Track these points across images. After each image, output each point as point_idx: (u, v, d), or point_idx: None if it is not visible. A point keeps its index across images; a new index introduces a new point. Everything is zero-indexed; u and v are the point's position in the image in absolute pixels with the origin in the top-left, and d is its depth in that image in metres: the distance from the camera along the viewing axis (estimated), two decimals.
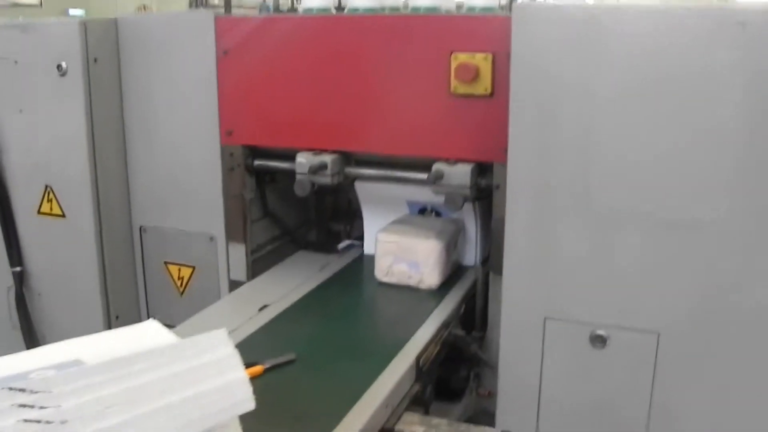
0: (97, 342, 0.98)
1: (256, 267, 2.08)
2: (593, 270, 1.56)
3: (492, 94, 1.68)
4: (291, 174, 1.92)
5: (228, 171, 1.98)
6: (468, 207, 2.02)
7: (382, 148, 1.83)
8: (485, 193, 1.80)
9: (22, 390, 0.75)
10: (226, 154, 1.97)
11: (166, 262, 2.14)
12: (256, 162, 2.00)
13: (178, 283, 2.12)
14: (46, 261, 2.14)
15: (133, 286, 2.18)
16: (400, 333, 1.62)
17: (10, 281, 2.17)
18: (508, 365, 1.68)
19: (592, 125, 1.49)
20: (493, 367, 1.77)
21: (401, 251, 1.87)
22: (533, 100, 1.53)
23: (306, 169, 1.82)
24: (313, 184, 1.86)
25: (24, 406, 0.75)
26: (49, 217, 2.09)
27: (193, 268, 2.10)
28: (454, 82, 1.69)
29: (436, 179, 1.74)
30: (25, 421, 0.74)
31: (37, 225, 2.11)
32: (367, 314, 1.85)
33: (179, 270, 2.12)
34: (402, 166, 1.89)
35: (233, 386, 0.92)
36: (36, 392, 0.76)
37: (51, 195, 2.07)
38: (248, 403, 0.93)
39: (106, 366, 0.82)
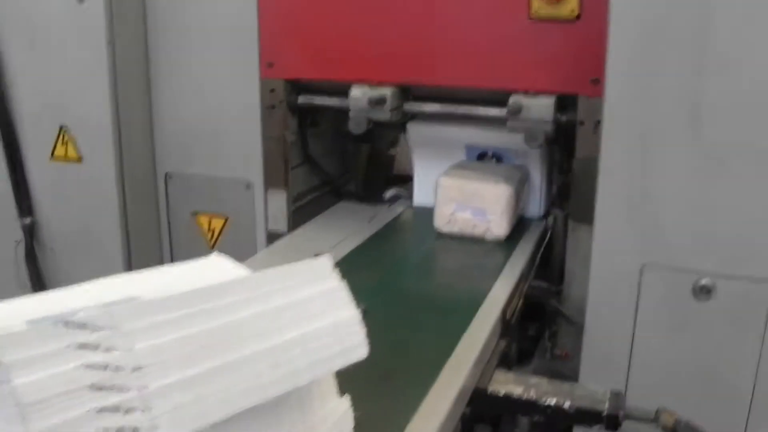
0: (154, 278, 0.77)
1: (297, 218, 1.86)
2: (700, 212, 1.35)
3: (579, 16, 1.47)
4: (336, 114, 1.70)
5: (268, 109, 1.76)
6: (533, 153, 1.81)
7: (451, 80, 1.61)
8: (564, 131, 1.58)
9: (82, 326, 0.54)
10: (266, 89, 1.74)
11: (194, 213, 1.92)
12: (300, 99, 1.77)
13: (209, 236, 1.91)
14: (60, 211, 1.92)
15: (157, 240, 1.96)
16: (475, 285, 1.42)
17: (19, 234, 1.95)
18: (595, 321, 1.48)
19: (708, 42, 1.27)
20: (575, 324, 1.57)
21: (466, 197, 1.66)
22: (637, 19, 1.31)
23: (363, 104, 1.60)
24: (369, 121, 1.64)
25: (85, 347, 0.53)
26: (64, 161, 1.87)
27: (226, 218, 1.88)
28: (535, 4, 1.47)
29: (514, 113, 1.52)
30: (87, 367, 0.53)
31: (50, 171, 1.89)
32: (431, 266, 1.64)
33: (210, 221, 1.91)
34: (467, 102, 1.67)
35: (344, 327, 0.71)
36: (100, 329, 0.55)
37: (66, 137, 1.85)
38: (361, 350, 0.72)
39: (187, 298, 0.61)
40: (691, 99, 1.31)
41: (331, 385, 0.76)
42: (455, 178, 1.70)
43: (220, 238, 1.90)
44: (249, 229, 1.85)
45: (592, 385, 1.47)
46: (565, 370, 1.61)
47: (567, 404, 1.13)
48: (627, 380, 1.49)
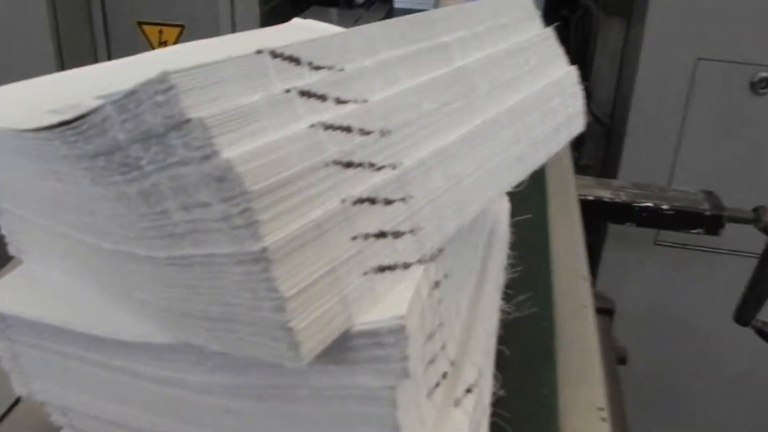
0: (231, 43, 0.51)
1: (268, 24, 1.55)
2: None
3: None
4: None
5: None
6: None
7: None
8: None
9: (295, 61, 0.29)
10: None
11: (140, 23, 1.56)
12: None
13: None
14: None
15: (91, 57, 1.60)
16: None
17: None
18: (639, 122, 1.33)
19: None
20: (604, 125, 1.42)
21: None
22: None
23: None
24: None
25: (308, 95, 0.29)
26: None
27: (182, 27, 1.54)
28: None
29: None
30: (325, 128, 0.29)
31: None
32: None
33: (160, 32, 1.56)
34: None
35: (567, 87, 0.49)
36: (321, 66, 0.30)
37: None
38: (580, 118, 0.51)
39: (403, 28, 0.36)
40: None
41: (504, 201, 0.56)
42: None
43: None
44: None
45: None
46: (592, 172, 1.48)
47: (665, 206, 0.98)
48: (670, 177, 1.38)
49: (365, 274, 0.30)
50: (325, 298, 0.27)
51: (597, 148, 1.51)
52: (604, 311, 0.83)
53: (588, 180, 1.03)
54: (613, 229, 1.33)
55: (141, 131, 0.27)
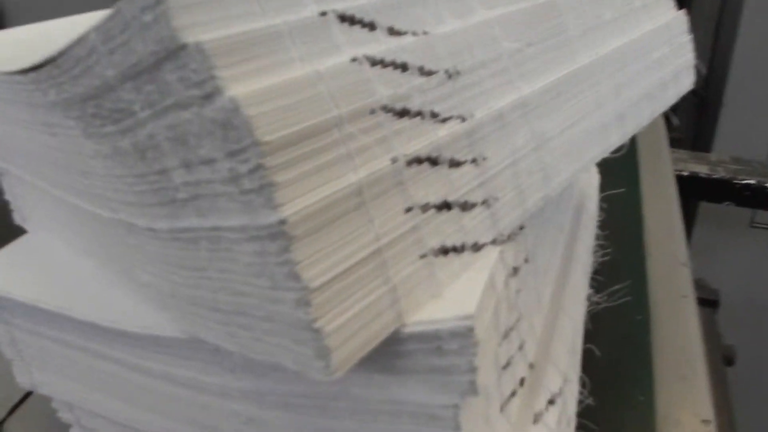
0: None
1: None
2: None
3: None
4: None
5: None
6: None
7: None
8: None
9: None
10: None
11: None
12: None
13: None
14: None
15: None
16: None
17: None
18: (737, 93, 1.20)
19: None
20: (697, 95, 1.29)
21: None
22: None
23: None
24: None
25: (351, 20, 0.22)
26: None
27: None
28: None
29: None
30: (375, 63, 0.22)
31: None
32: None
33: None
34: None
35: (675, 35, 0.40)
36: None
37: None
38: (690, 75, 0.42)
39: None
40: None
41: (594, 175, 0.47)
42: None
43: None
44: None
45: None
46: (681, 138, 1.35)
47: None
48: None
49: (422, 257, 0.22)
50: (366, 288, 0.21)
51: (688, 119, 1.38)
52: (707, 302, 0.73)
53: (682, 153, 0.93)
54: (705, 208, 1.21)
55: (130, 64, 0.20)
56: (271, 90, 0.19)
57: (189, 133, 0.20)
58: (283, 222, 0.18)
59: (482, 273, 0.23)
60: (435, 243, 0.23)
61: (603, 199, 0.52)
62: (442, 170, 0.23)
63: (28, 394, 0.39)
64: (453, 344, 0.22)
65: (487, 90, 0.26)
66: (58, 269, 0.31)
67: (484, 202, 0.25)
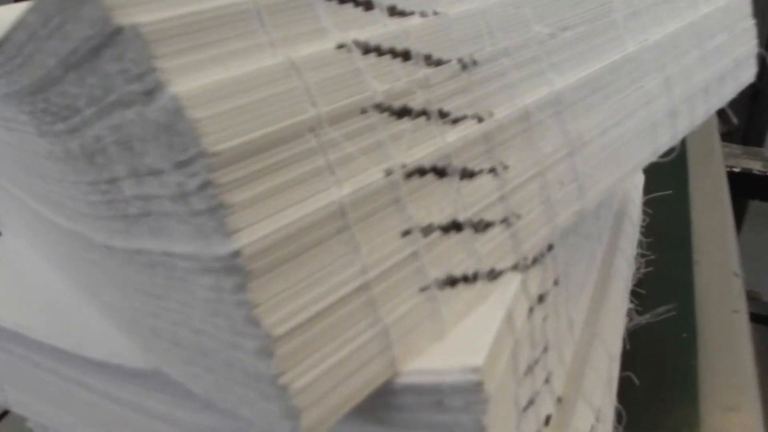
0: None
1: None
2: None
3: None
4: None
5: None
6: None
7: None
8: None
9: None
10: None
11: None
12: None
13: None
14: None
15: None
16: None
17: None
18: None
19: None
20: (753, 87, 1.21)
21: None
22: None
23: None
24: None
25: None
26: None
27: None
28: None
29: None
30: (369, 51, 0.17)
31: None
32: None
33: None
34: None
35: (737, 21, 0.35)
36: None
37: None
38: (751, 67, 0.37)
39: None
40: None
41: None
42: None
43: None
44: None
45: None
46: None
47: None
48: None
49: (423, 290, 0.18)
50: (348, 333, 0.17)
51: (739, 111, 1.31)
52: (760, 318, 0.67)
53: (734, 148, 0.86)
54: (756, 207, 1.14)
55: (68, 51, 0.17)
56: (228, 85, 0.15)
57: (134, 136, 0.16)
58: (236, 254, 0.14)
59: (498, 309, 0.19)
60: (439, 273, 0.19)
61: (647, 203, 0.47)
62: (452, 183, 0.19)
63: (5, 413, 0.37)
64: (457, 400, 0.17)
65: (510, 83, 0.21)
66: (23, 281, 0.28)
67: (504, 221, 0.20)
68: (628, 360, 0.36)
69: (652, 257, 0.46)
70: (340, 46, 0.17)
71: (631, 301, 0.42)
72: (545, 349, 0.26)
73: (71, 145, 0.20)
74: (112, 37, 0.15)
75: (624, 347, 0.37)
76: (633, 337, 0.39)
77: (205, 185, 0.14)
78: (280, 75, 0.16)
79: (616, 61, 0.26)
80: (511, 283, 0.21)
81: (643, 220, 0.47)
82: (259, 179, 0.15)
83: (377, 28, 0.18)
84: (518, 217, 0.21)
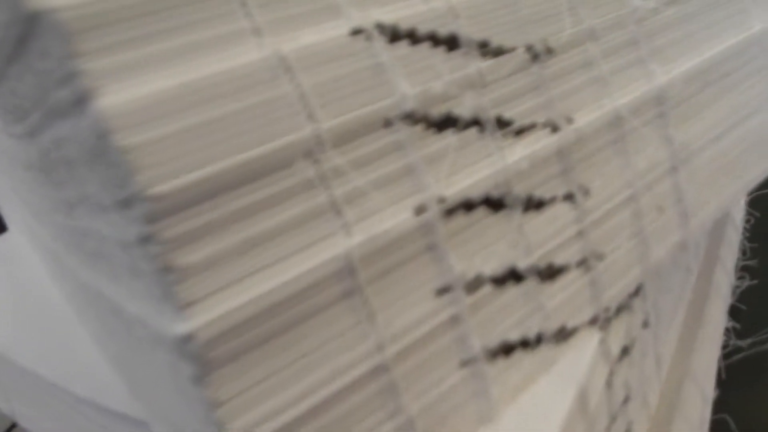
0: None
1: None
2: None
3: None
4: None
5: None
6: None
7: None
8: None
9: None
10: None
11: None
12: None
13: None
14: None
15: None
16: None
17: None
18: None
19: None
20: None
21: None
22: None
23: None
24: None
25: None
26: None
27: None
28: None
29: None
30: (396, 38, 0.12)
31: None
32: None
33: None
34: None
35: None
36: None
37: None
38: None
39: None
40: None
41: None
42: None
43: None
44: None
45: None
46: None
47: None
48: None
49: (465, 364, 0.14)
50: (359, 428, 0.12)
51: None
52: None
53: None
54: None
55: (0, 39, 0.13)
56: (183, 93, 0.10)
57: (73, 156, 0.12)
58: (188, 338, 0.10)
59: (568, 383, 0.14)
60: (489, 340, 0.14)
61: (751, 202, 0.40)
62: (511, 218, 0.14)
63: (13, 426, 0.34)
64: None
65: (597, 78, 0.16)
66: (21, 294, 0.24)
67: (582, 264, 0.15)
68: (722, 396, 0.30)
69: (757, 266, 0.39)
70: (356, 32, 0.12)
71: (729, 320, 0.36)
72: (626, 399, 0.21)
73: (31, 152, 0.16)
74: (31, 25, 0.11)
75: (718, 377, 0.32)
76: (730, 367, 0.33)
77: (146, 239, 0.10)
78: (263, 76, 0.11)
79: (737, 42, 0.20)
80: (587, 344, 0.15)
81: (747, 221, 0.40)
82: (224, 230, 0.10)
83: (408, 6, 0.13)
84: (600, 257, 0.16)
